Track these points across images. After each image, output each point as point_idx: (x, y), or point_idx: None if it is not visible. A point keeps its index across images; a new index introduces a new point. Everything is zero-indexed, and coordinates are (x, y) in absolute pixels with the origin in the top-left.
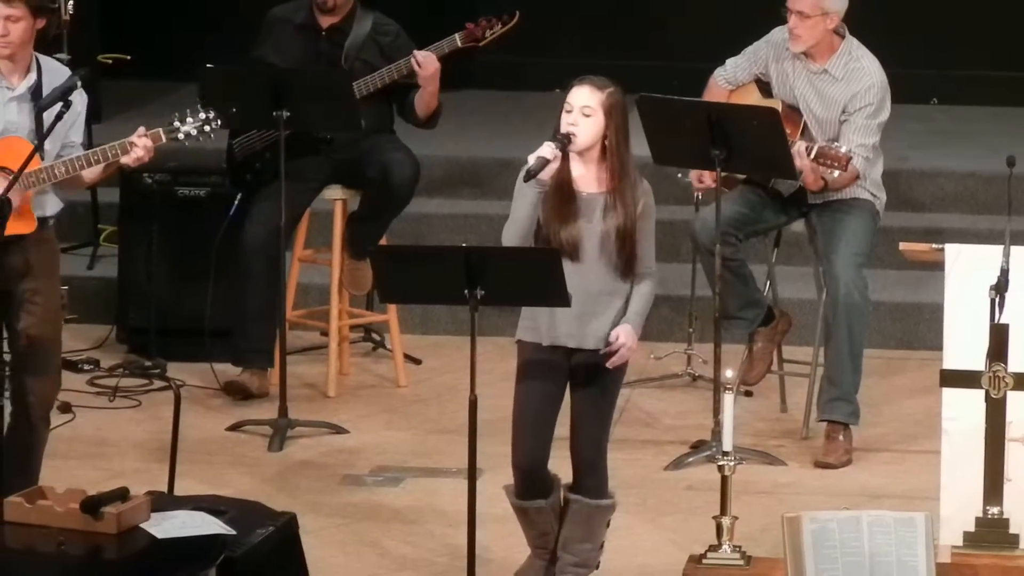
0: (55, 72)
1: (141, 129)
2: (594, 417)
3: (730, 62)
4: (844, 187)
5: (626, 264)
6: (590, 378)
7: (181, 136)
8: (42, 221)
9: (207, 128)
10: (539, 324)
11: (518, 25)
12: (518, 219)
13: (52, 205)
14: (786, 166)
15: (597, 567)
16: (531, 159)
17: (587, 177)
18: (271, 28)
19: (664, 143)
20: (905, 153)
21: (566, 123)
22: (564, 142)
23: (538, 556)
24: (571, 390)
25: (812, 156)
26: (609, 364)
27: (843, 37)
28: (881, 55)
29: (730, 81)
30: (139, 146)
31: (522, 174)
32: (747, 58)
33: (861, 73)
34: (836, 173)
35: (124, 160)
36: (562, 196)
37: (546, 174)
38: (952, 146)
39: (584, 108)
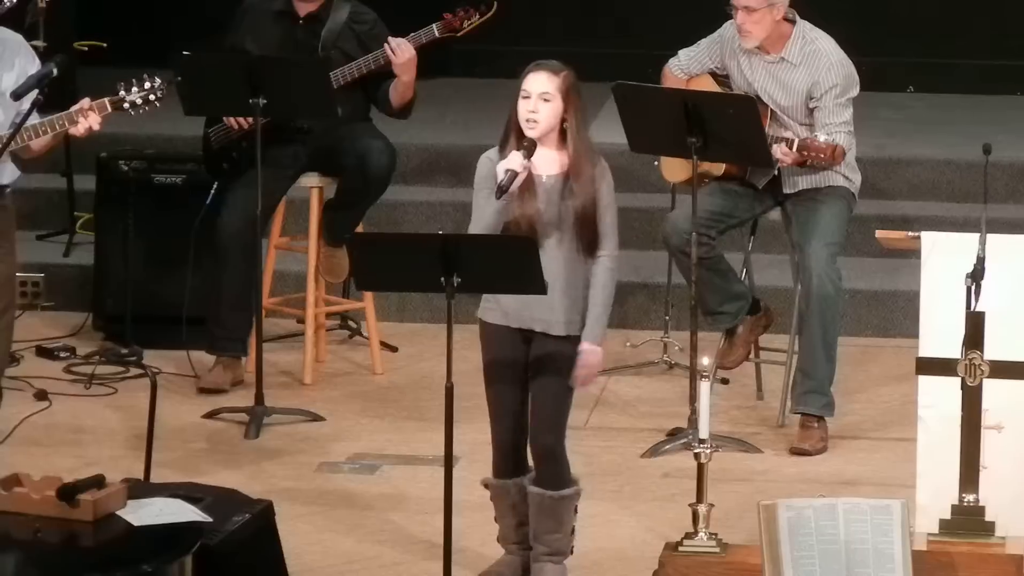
0: (4, 42)
1: (86, 100)
2: (553, 403)
3: (683, 53)
4: (832, 163)
5: (588, 246)
6: (549, 365)
7: (126, 105)
8: None
9: (152, 97)
10: (505, 307)
11: (496, 15)
12: (486, 225)
13: (8, 174)
14: (762, 154)
15: (571, 552)
16: (500, 172)
17: (546, 161)
18: (247, 15)
19: (640, 131)
20: (881, 141)
21: (525, 110)
22: (531, 149)
23: (512, 552)
24: (530, 376)
25: (795, 149)
26: (577, 384)
27: (793, 23)
28: (857, 43)
29: (685, 71)
30: (86, 117)
31: (480, 171)
32: (701, 51)
33: (818, 56)
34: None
35: (72, 131)
36: (524, 182)
37: (515, 186)
38: (928, 134)
39: (543, 94)
